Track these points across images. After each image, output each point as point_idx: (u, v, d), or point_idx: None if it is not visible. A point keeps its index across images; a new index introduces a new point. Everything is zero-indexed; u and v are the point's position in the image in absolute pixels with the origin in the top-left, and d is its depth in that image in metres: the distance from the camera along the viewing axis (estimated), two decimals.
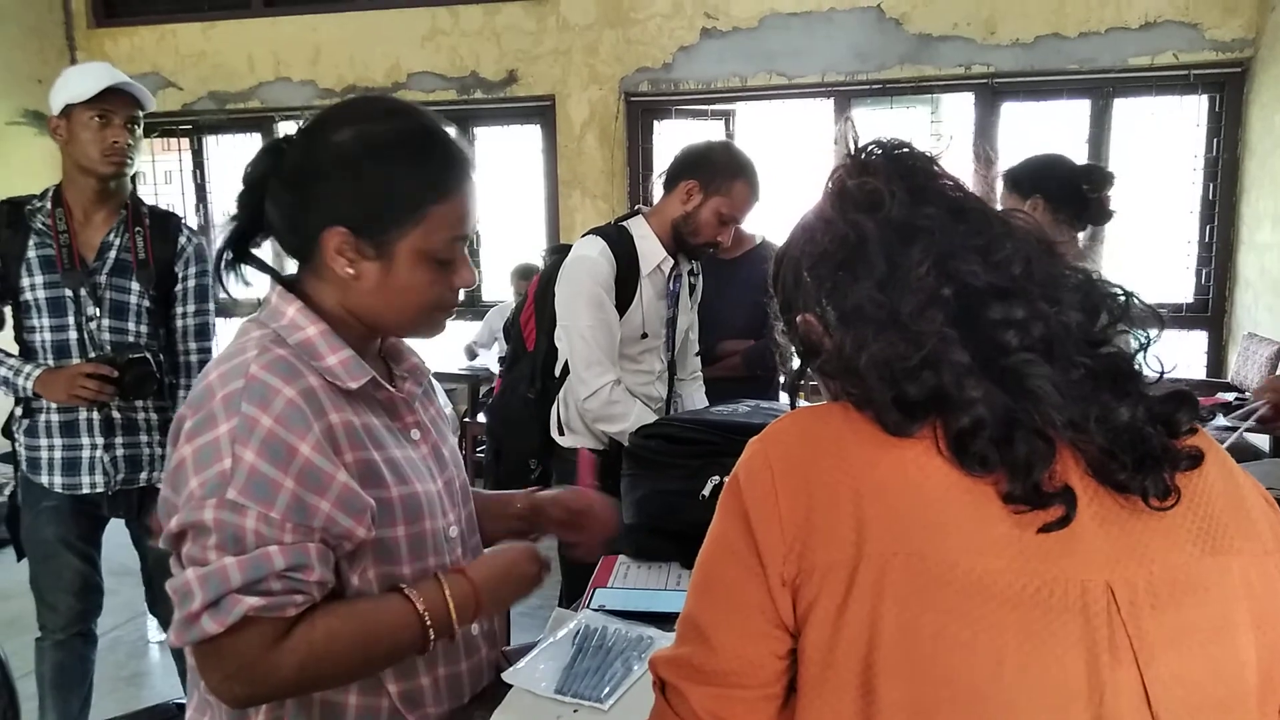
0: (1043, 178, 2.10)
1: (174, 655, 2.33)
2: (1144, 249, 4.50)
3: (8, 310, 2.21)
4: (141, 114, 2.19)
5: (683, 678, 0.76)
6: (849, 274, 0.79)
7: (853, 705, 0.68)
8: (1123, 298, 0.79)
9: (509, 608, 1.17)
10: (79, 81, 2.10)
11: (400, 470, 1.04)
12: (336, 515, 0.95)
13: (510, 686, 1.14)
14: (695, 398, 2.54)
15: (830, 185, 0.86)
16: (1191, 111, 4.35)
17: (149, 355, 2.17)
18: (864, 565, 0.68)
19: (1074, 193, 2.07)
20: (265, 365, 0.96)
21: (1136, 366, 0.76)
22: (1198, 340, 4.47)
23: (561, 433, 2.32)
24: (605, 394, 2.13)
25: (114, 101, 2.11)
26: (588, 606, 1.39)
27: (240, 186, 1.06)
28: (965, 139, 4.55)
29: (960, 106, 4.64)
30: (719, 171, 2.14)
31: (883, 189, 0.80)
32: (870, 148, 0.85)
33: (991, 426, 0.69)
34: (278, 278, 1.09)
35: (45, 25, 5.46)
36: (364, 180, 1.00)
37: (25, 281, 2.15)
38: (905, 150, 0.84)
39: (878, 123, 5.10)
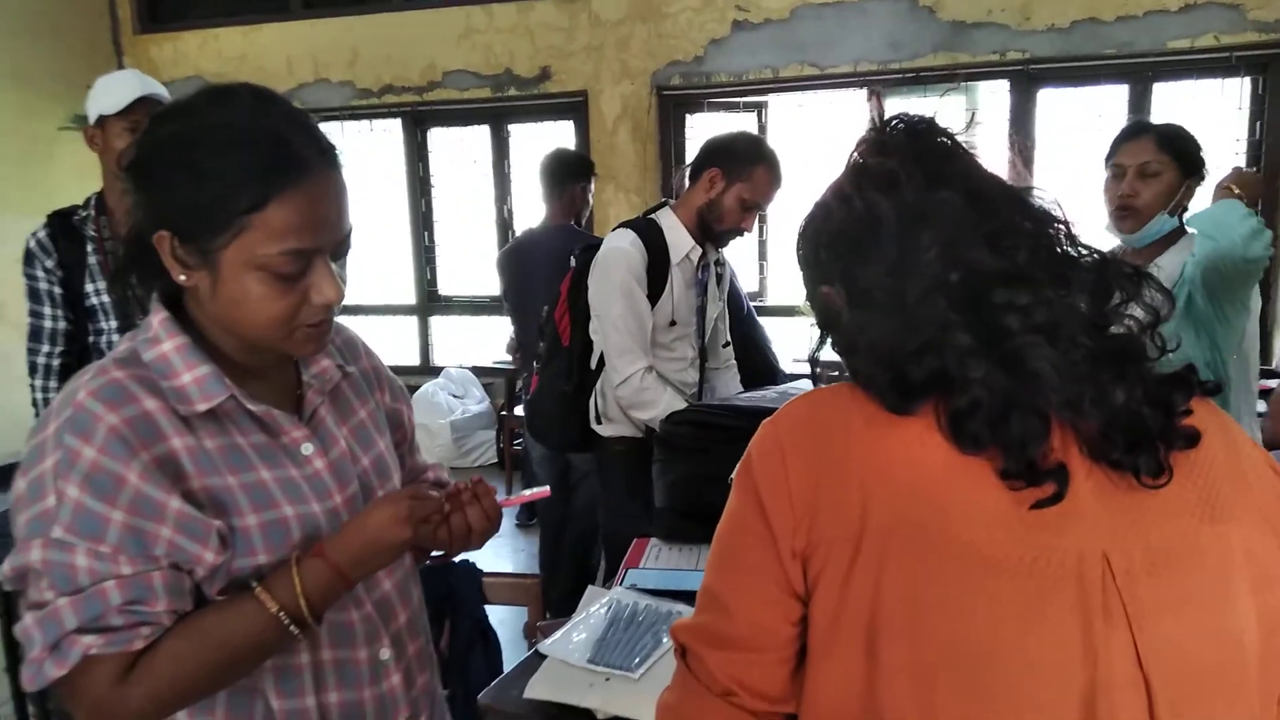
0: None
1: None
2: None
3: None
4: None
5: (702, 643, 0.80)
6: (860, 255, 0.81)
7: (858, 667, 0.72)
8: (1135, 278, 0.80)
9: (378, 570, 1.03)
10: (110, 92, 2.16)
11: (264, 494, 0.97)
12: (179, 540, 0.90)
13: (545, 657, 1.18)
14: (731, 386, 2.58)
15: (850, 161, 0.88)
16: (1233, 95, 4.26)
17: None
18: (868, 537, 0.72)
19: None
20: (93, 391, 0.90)
21: (1141, 348, 0.77)
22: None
23: (599, 422, 2.37)
24: (636, 381, 2.17)
25: (144, 111, 2.15)
26: (620, 585, 1.43)
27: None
28: (1001, 126, 4.51)
29: (996, 94, 4.60)
30: (740, 159, 2.19)
31: (899, 170, 0.81)
32: (893, 124, 0.86)
33: (988, 407, 0.71)
34: (161, 286, 1.00)
35: (94, 32, 5.63)
36: (178, 180, 0.90)
37: (89, 287, 2.24)
38: (926, 129, 0.85)
39: (912, 113, 5.04)
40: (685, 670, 0.82)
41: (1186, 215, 2.05)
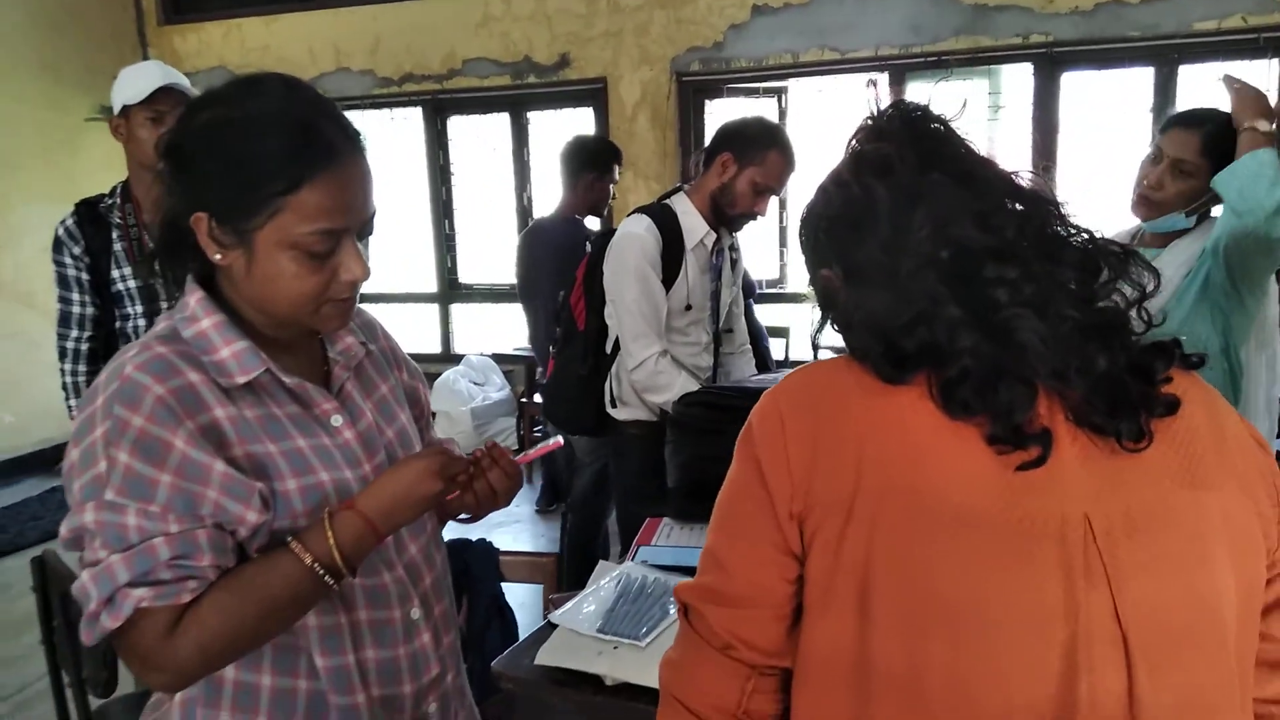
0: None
1: None
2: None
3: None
4: None
5: (703, 601, 0.84)
6: (857, 235, 0.84)
7: (851, 623, 0.75)
8: (1123, 256, 0.82)
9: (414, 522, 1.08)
10: (132, 83, 2.20)
11: (302, 461, 1.01)
12: (224, 502, 0.94)
13: (556, 627, 1.21)
14: (745, 370, 2.60)
15: (848, 148, 0.91)
16: (1261, 76, 4.20)
17: None
18: (861, 499, 0.75)
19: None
20: (140, 365, 0.95)
21: (1125, 320, 0.79)
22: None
23: (614, 405, 2.39)
24: (651, 365, 2.19)
25: (166, 101, 2.20)
26: (631, 561, 1.46)
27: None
28: (1024, 110, 4.47)
29: (1019, 78, 4.56)
30: (752, 143, 2.19)
31: (893, 154, 0.84)
32: (889, 112, 0.89)
33: (977, 375, 0.74)
34: (196, 267, 1.05)
35: (119, 24, 5.72)
36: (216, 165, 0.96)
37: (115, 274, 2.30)
38: (920, 115, 0.88)
39: (934, 96, 5.02)
40: (688, 627, 0.86)
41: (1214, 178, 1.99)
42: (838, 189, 0.88)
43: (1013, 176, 0.84)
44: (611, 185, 3.50)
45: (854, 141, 0.90)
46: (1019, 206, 0.82)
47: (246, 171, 0.95)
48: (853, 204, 0.85)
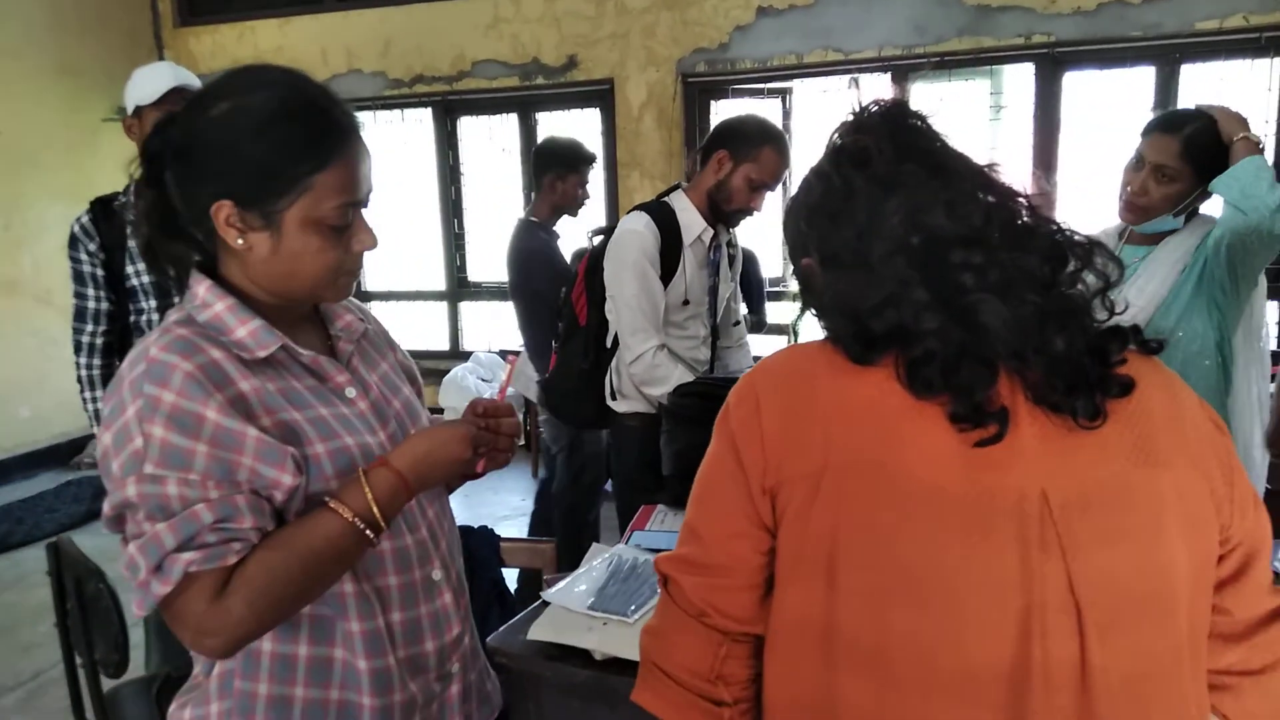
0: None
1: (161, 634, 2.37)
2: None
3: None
4: None
5: (681, 571, 0.89)
6: (834, 223, 0.89)
7: (819, 591, 0.80)
8: (1088, 246, 0.87)
9: (440, 485, 1.14)
10: (145, 83, 2.26)
11: (327, 427, 1.06)
12: (259, 468, 0.98)
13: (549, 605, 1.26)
14: (743, 363, 2.65)
15: (830, 142, 0.96)
16: (1263, 76, 4.22)
17: None
18: (829, 474, 0.80)
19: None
20: (163, 346, 0.99)
21: (1086, 306, 0.83)
22: (1269, 311, 4.34)
23: (614, 398, 2.44)
24: (649, 359, 2.25)
25: (178, 101, 2.23)
26: (624, 544, 1.51)
27: (142, 165, 1.07)
28: (1027, 110, 4.50)
29: (1021, 78, 4.58)
30: (747, 140, 2.24)
31: (871, 146, 0.88)
32: (869, 107, 0.94)
33: (942, 356, 0.79)
34: (195, 258, 1.10)
35: (136, 26, 5.81)
36: (244, 152, 1.01)
37: (130, 268, 2.36)
38: (899, 110, 0.92)
39: (937, 96, 5.07)
40: (666, 597, 0.91)
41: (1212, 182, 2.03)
42: (818, 179, 0.93)
43: (986, 170, 0.88)
44: (581, 187, 3.40)
45: (835, 135, 0.94)
46: (990, 198, 0.86)
47: (276, 155, 1.00)
48: (832, 194, 0.89)
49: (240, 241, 1.03)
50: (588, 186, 3.45)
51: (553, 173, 3.36)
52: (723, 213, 2.31)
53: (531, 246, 3.38)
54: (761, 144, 2.23)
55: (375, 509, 1.01)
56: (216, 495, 0.95)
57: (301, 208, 1.01)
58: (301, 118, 1.02)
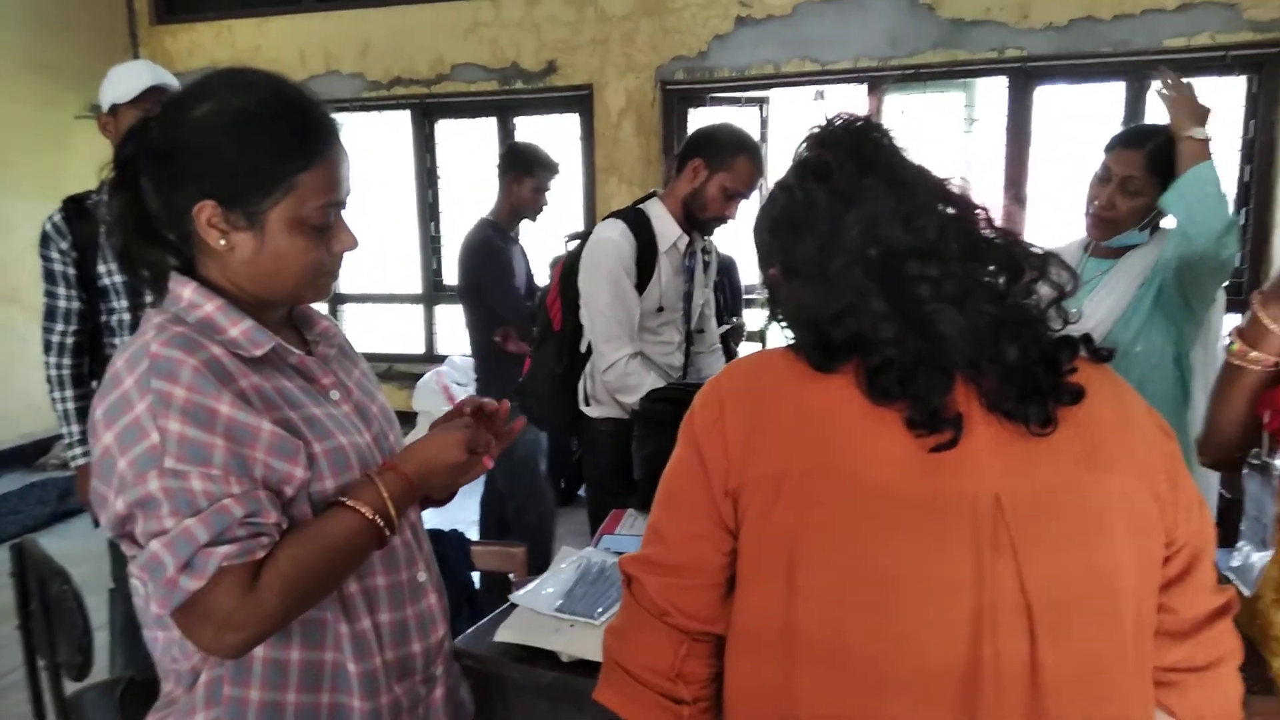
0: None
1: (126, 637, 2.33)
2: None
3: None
4: None
5: (644, 571, 0.90)
6: (796, 234, 0.91)
7: (779, 592, 0.82)
8: (1042, 257, 0.89)
9: (442, 493, 1.17)
10: (122, 81, 2.24)
11: (321, 426, 1.07)
12: (272, 462, 0.98)
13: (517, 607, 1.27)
14: (716, 369, 2.66)
15: (795, 155, 0.98)
16: (1229, 93, 4.31)
17: None
18: (790, 478, 0.82)
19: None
20: (164, 343, 0.98)
21: (1039, 315, 0.86)
22: (1233, 321, 4.43)
23: (588, 403, 2.45)
24: (622, 366, 2.26)
25: (155, 100, 2.22)
26: (594, 548, 1.52)
27: (114, 168, 1.07)
28: (999, 122, 4.57)
29: (994, 91, 4.67)
30: (722, 149, 2.26)
31: (833, 160, 0.91)
32: (833, 121, 0.96)
33: (899, 364, 0.81)
34: (174, 262, 1.09)
35: (111, 24, 5.75)
36: (228, 153, 1.01)
37: (102, 268, 2.33)
38: (861, 125, 0.94)
39: (912, 108, 5.14)
40: (629, 597, 0.92)
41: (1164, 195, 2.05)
42: (782, 192, 0.95)
43: (945, 183, 0.90)
44: (537, 191, 3.39)
45: (800, 148, 0.97)
46: (950, 210, 0.88)
47: (261, 154, 1.01)
48: (794, 206, 0.92)
49: (223, 242, 1.02)
50: (547, 194, 3.44)
51: (511, 174, 3.38)
52: (697, 220, 2.33)
53: (474, 243, 3.39)
54: (736, 153, 2.26)
55: (391, 508, 1.04)
56: (239, 490, 0.95)
57: (286, 207, 1.02)
58: (285, 117, 1.03)
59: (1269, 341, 1.29)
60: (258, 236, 1.02)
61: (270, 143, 1.01)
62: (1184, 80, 1.92)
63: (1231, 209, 1.89)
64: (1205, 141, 1.85)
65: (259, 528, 0.96)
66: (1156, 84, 1.94)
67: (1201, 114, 1.88)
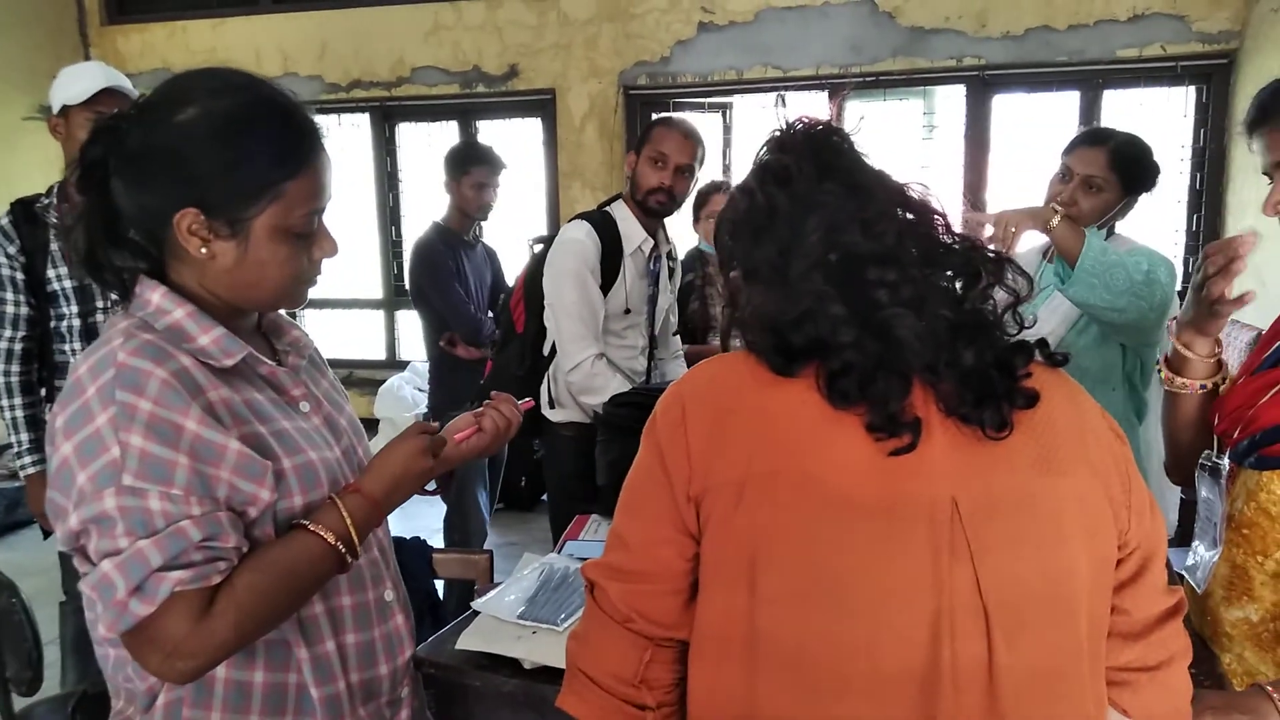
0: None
1: (78, 651, 2.29)
2: (1132, 237, 4.56)
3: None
4: None
5: (606, 577, 0.90)
6: (756, 239, 0.91)
7: (741, 596, 0.82)
8: (998, 262, 0.90)
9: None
10: (74, 83, 2.20)
11: (291, 441, 1.04)
12: (237, 482, 0.95)
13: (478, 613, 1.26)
14: (679, 374, 2.66)
15: (756, 159, 0.98)
16: (1179, 102, 4.41)
17: None
18: (751, 482, 0.82)
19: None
20: (132, 351, 0.94)
21: (995, 320, 0.87)
22: None
23: (551, 406, 2.44)
24: (588, 366, 2.25)
25: (108, 102, 2.17)
26: (557, 554, 1.51)
27: (79, 171, 1.02)
28: (958, 129, 4.63)
29: (952, 98, 4.72)
30: (644, 133, 2.36)
31: (793, 165, 0.91)
32: (794, 125, 0.97)
33: (858, 368, 0.81)
34: (142, 265, 1.05)
35: (61, 23, 5.61)
36: (214, 160, 0.97)
37: (51, 273, 2.29)
38: (821, 130, 0.95)
39: (872, 114, 5.19)
40: (593, 603, 0.92)
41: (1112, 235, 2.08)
42: (743, 196, 0.95)
43: (904, 188, 0.91)
44: (475, 188, 3.35)
45: (761, 152, 0.97)
46: (909, 215, 0.89)
47: (249, 162, 0.98)
48: (755, 210, 0.92)
49: (204, 250, 0.99)
50: (492, 190, 3.40)
51: (449, 175, 3.38)
52: (646, 207, 2.34)
53: (418, 249, 3.40)
54: (652, 127, 2.35)
55: (354, 533, 1.01)
56: (199, 512, 0.92)
57: (272, 215, 0.99)
58: (271, 124, 1.00)
59: (1191, 367, 1.32)
60: (240, 245, 1.00)
61: (257, 151, 0.98)
62: (986, 212, 1.88)
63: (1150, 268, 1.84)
64: (1065, 218, 1.84)
65: (216, 552, 0.93)
66: (989, 234, 1.83)
67: (1036, 209, 1.87)
